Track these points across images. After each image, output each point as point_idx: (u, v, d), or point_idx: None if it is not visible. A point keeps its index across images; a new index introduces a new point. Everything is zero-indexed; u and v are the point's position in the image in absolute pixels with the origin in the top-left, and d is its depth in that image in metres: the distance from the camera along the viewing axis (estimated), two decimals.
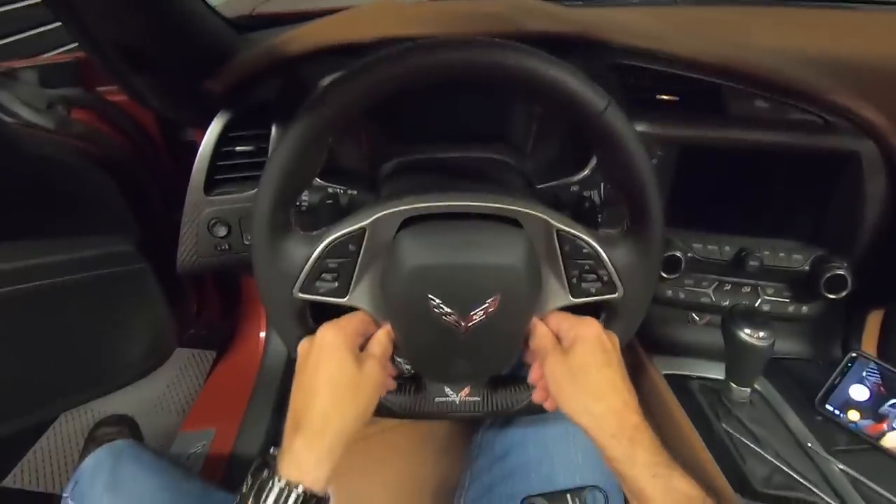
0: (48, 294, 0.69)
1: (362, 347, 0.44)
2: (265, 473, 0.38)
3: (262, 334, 0.97)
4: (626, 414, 0.40)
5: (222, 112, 0.60)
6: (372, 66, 0.37)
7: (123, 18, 0.48)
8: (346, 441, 0.40)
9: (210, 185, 0.60)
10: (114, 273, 0.75)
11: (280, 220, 0.42)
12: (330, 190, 0.59)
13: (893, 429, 0.53)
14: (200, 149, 0.60)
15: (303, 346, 0.44)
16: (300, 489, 0.36)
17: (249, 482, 0.39)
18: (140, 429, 1.08)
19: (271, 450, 0.41)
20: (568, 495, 0.52)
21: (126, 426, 1.05)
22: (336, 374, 0.40)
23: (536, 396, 0.48)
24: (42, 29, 1.85)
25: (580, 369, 0.41)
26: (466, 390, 0.51)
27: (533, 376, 0.48)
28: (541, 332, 0.45)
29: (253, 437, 0.82)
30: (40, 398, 0.76)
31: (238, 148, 0.61)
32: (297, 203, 0.59)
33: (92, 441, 1.01)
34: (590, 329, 0.43)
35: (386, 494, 0.64)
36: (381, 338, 0.45)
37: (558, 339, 0.45)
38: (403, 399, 0.51)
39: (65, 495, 0.59)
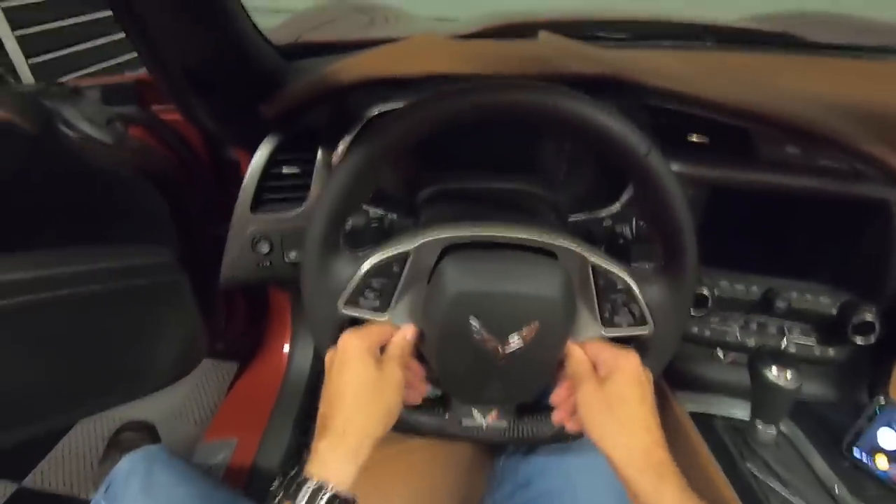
0: (88, 299, 0.72)
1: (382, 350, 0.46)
2: (295, 471, 0.39)
3: (287, 348, 0.99)
4: (654, 450, 0.41)
5: (272, 135, 0.64)
6: (433, 102, 0.40)
7: (191, 41, 0.52)
8: (370, 442, 0.41)
9: (256, 203, 0.63)
10: (153, 282, 0.79)
11: (331, 238, 0.45)
12: (371, 213, 0.62)
13: None
14: (250, 167, 0.63)
15: (329, 354, 0.46)
16: (329, 487, 0.38)
17: (279, 481, 0.40)
18: (160, 436, 1.10)
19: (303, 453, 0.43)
20: None
21: (148, 433, 1.07)
22: (358, 378, 0.42)
23: (556, 417, 0.49)
24: (103, 41, 1.95)
25: (617, 401, 0.42)
26: (494, 415, 0.52)
27: (556, 398, 0.49)
28: (578, 358, 0.46)
29: (275, 449, 0.83)
30: (69, 401, 0.79)
31: (285, 170, 0.64)
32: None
33: (114, 445, 1.03)
34: (630, 361, 0.44)
35: None
36: (399, 339, 0.46)
37: (595, 366, 0.46)
38: (431, 419, 0.52)
39: (96, 497, 0.61)
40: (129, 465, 0.61)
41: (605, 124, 0.39)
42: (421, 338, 0.47)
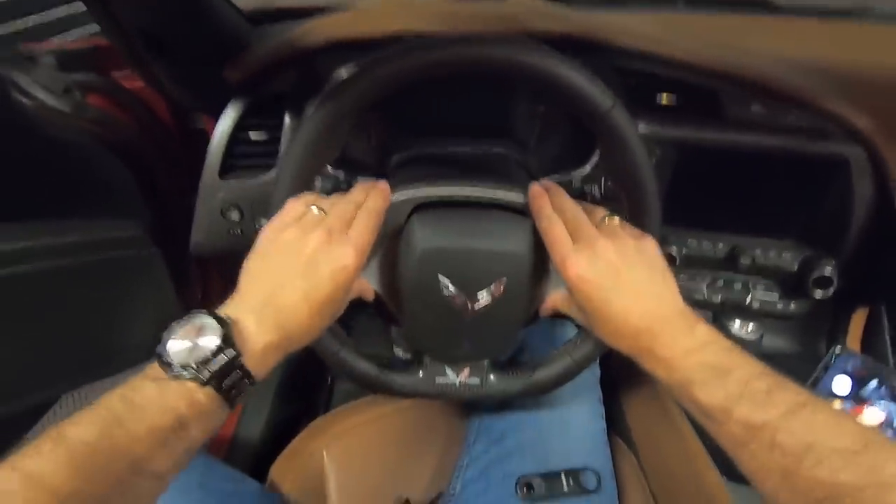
0: (58, 274, 0.71)
1: None
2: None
3: None
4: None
5: (237, 99, 0.62)
6: (388, 59, 0.40)
7: (147, 5, 0.50)
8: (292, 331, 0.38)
9: (224, 170, 0.62)
10: (123, 256, 0.77)
11: None
12: (341, 177, 0.61)
13: (872, 406, 0.56)
14: (215, 133, 0.62)
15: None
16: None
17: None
18: None
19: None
20: (562, 475, 0.54)
21: None
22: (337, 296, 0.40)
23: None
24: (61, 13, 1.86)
25: (588, 312, 0.42)
26: (466, 372, 0.53)
27: None
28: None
29: (255, 420, 0.84)
30: (46, 378, 0.78)
31: (252, 135, 0.63)
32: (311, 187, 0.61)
33: None
34: (568, 270, 0.41)
35: (385, 476, 0.66)
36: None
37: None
38: (404, 378, 0.53)
39: None
40: None
41: (567, 77, 0.39)
42: (391, 296, 0.47)
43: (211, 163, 0.61)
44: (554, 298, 0.48)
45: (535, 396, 0.54)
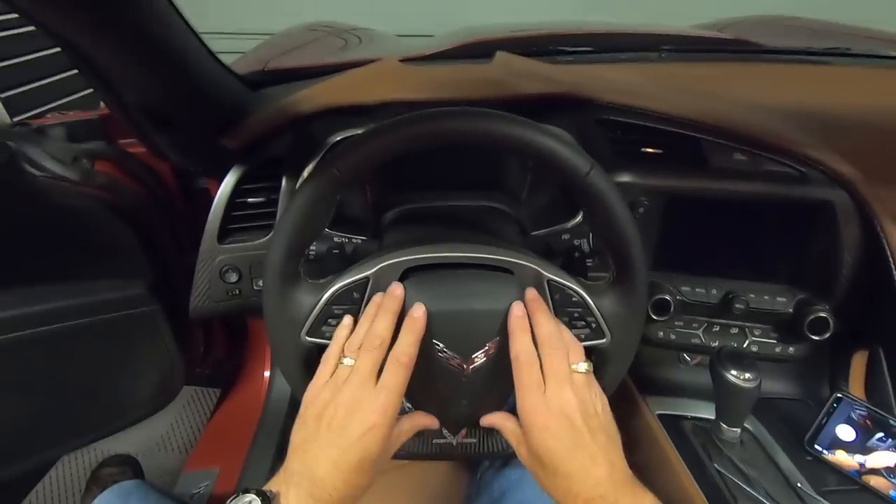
0: (63, 336, 0.72)
1: None
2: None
3: (267, 374, 0.99)
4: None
5: (237, 166, 0.65)
6: (375, 134, 0.42)
7: (146, 82, 0.52)
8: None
9: (223, 234, 0.64)
10: (127, 315, 0.79)
11: (290, 269, 0.46)
12: (336, 239, 0.63)
13: (878, 452, 0.55)
14: (215, 200, 0.64)
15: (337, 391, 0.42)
16: None
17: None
18: (143, 469, 1.09)
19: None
20: None
21: (129, 467, 1.06)
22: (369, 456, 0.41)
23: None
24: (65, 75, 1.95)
25: (542, 462, 0.42)
26: (463, 432, 0.53)
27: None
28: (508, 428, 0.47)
29: (257, 477, 0.83)
30: (50, 439, 0.78)
31: (250, 199, 0.65)
32: (306, 253, 0.63)
33: (95, 481, 1.02)
34: (533, 416, 0.42)
35: None
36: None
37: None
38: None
39: None
40: (105, 502, 0.61)
41: (544, 146, 0.41)
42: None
43: (210, 229, 0.63)
44: (504, 425, 0.47)
45: None
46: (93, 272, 0.75)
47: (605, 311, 0.47)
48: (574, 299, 0.47)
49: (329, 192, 0.44)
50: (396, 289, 0.45)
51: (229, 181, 0.64)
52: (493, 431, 0.53)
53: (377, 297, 0.45)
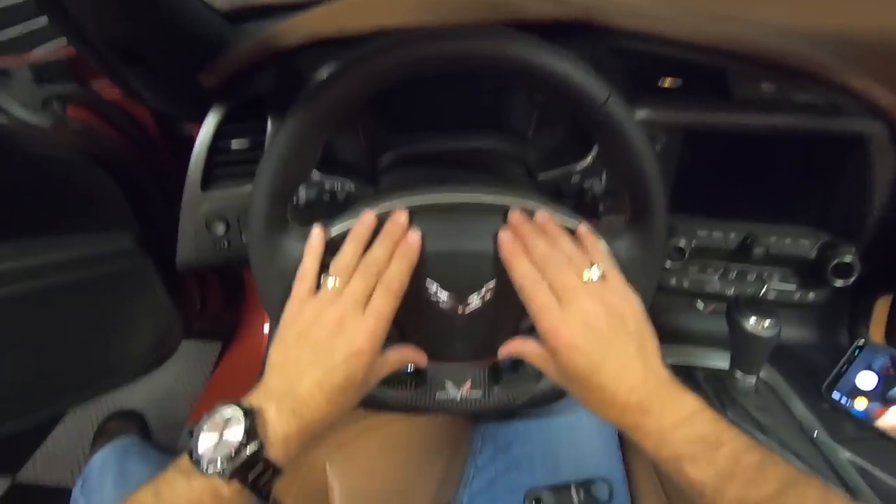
0: (52, 292, 0.70)
1: None
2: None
3: (266, 327, 0.97)
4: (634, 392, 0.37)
5: (217, 106, 0.60)
6: (368, 58, 0.37)
7: (114, 15, 0.47)
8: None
9: (207, 181, 0.60)
10: (116, 269, 0.76)
11: (276, 215, 0.42)
12: (327, 185, 0.58)
13: None
14: (196, 144, 0.59)
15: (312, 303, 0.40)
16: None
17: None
18: (148, 423, 1.10)
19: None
20: (572, 487, 0.52)
21: (135, 421, 1.07)
22: (353, 380, 0.38)
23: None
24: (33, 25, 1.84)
25: (573, 379, 0.39)
26: (468, 385, 0.51)
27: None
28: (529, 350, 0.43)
29: None
30: (49, 395, 0.77)
31: (234, 143, 0.60)
32: (295, 199, 0.59)
33: (102, 434, 1.03)
34: (555, 337, 0.38)
35: (388, 489, 0.64)
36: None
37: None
38: (403, 394, 0.51)
39: (74, 493, 0.60)
40: (102, 459, 0.60)
41: (558, 71, 0.36)
42: None
43: (192, 175, 0.59)
44: (525, 350, 0.44)
45: (540, 406, 0.51)
46: (76, 226, 0.71)
47: (619, 254, 0.44)
48: None
49: (315, 127, 0.40)
50: (401, 216, 0.41)
51: (210, 122, 0.59)
52: (497, 383, 0.51)
53: (366, 217, 0.42)
